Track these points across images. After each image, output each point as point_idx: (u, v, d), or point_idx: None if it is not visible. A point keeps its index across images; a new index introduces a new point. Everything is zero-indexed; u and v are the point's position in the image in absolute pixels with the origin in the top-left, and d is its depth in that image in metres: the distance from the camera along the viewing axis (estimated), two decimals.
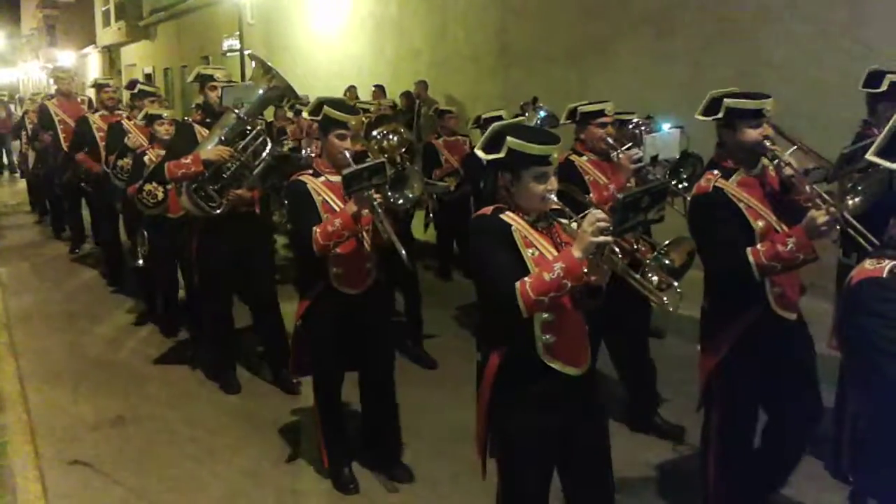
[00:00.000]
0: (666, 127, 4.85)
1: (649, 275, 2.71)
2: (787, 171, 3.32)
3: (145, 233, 6.53)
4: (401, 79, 13.35)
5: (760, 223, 3.30)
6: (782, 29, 7.55)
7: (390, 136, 4.51)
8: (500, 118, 5.95)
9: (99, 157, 7.79)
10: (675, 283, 2.69)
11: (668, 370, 5.08)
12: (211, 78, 5.32)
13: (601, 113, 4.67)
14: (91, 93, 11.33)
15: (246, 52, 5.34)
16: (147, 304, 7.23)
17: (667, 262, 2.74)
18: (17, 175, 17.90)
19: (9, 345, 6.58)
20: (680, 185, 4.80)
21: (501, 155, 2.73)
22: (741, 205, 3.32)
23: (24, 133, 12.07)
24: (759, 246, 3.20)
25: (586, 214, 2.63)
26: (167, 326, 6.78)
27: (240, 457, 4.61)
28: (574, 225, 2.73)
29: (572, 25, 10.09)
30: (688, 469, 4.25)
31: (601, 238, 2.54)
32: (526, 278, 2.62)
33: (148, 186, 5.99)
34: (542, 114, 6.03)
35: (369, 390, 4.30)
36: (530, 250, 2.74)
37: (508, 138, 2.71)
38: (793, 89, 7.00)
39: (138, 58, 29.94)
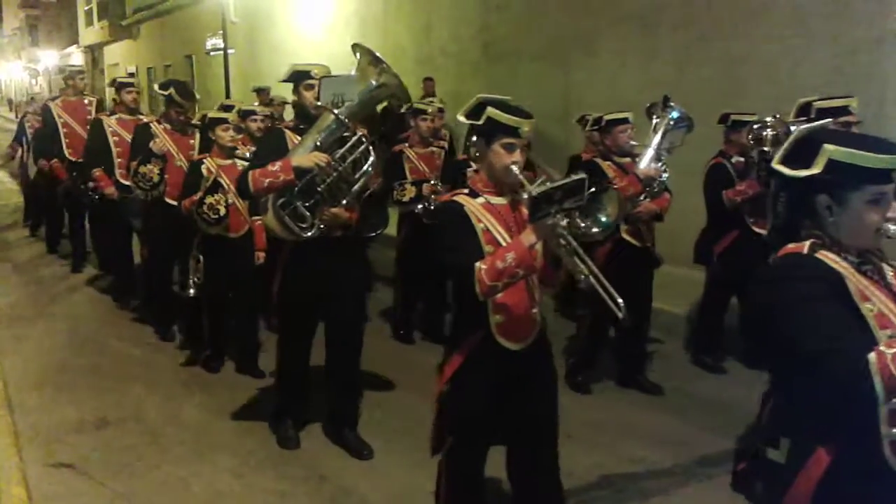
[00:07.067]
0: None
1: None
2: None
3: (200, 257, 5.68)
4: None
5: None
6: (766, 29, 7.59)
7: None
8: (626, 120, 5.13)
9: (111, 167, 7.13)
10: None
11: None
12: (308, 75, 4.44)
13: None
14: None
15: (352, 44, 4.24)
16: (192, 341, 6.22)
17: None
18: None
19: None
20: None
21: (817, 170, 1.99)
22: None
23: (24, 139, 10.94)
24: None
25: None
26: (209, 366, 5.91)
27: (226, 458, 4.56)
28: None
29: (556, 22, 10.11)
30: None
31: None
32: (884, 348, 1.85)
33: (209, 199, 5.29)
34: (675, 114, 5.08)
35: (528, 469, 3.28)
36: (867, 305, 1.99)
37: (828, 146, 1.98)
38: (776, 89, 7.04)
39: (121, 57, 29.80)
